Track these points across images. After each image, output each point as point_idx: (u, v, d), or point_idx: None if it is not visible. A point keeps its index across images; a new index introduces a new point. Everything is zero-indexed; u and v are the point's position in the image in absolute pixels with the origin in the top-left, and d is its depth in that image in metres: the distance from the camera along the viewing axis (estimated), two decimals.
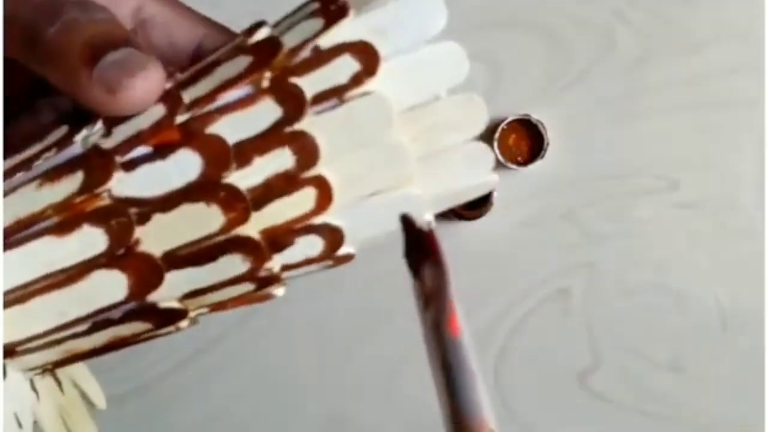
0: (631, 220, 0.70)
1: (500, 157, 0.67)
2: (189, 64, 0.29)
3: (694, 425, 0.70)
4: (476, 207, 0.68)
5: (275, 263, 0.27)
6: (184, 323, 0.27)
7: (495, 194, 0.68)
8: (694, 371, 0.70)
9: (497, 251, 0.70)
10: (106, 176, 0.25)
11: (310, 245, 0.27)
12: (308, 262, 0.27)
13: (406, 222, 0.25)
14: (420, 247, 0.24)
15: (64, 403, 0.31)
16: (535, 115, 0.68)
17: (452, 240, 0.69)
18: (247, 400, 0.70)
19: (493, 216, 0.68)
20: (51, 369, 0.28)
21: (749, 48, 0.69)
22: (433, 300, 0.21)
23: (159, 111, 0.26)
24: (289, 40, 0.26)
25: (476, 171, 0.28)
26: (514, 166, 0.68)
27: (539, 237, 0.70)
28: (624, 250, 0.70)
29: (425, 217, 0.26)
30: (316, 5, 0.27)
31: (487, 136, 0.68)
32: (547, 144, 0.68)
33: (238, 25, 0.30)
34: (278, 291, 0.28)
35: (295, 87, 0.25)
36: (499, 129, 0.67)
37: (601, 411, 0.71)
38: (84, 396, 0.34)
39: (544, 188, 0.70)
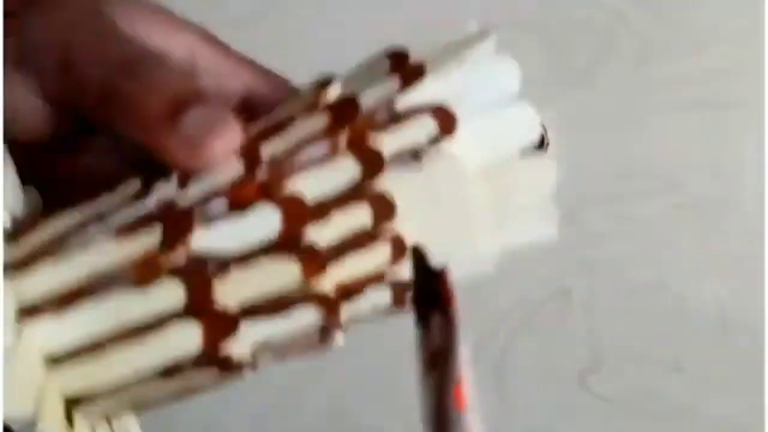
0: (631, 220, 0.70)
1: None
2: (238, 111, 0.29)
3: (694, 425, 0.70)
4: None
5: (343, 312, 0.27)
6: (250, 370, 0.27)
7: None
8: (694, 371, 0.70)
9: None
10: (185, 231, 0.25)
11: (379, 297, 0.27)
12: (374, 311, 0.28)
13: (418, 260, 0.24)
14: (430, 292, 0.23)
15: None
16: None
17: None
18: (247, 398, 0.70)
19: None
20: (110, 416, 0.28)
21: (749, 48, 0.69)
22: (440, 361, 0.19)
23: (237, 166, 0.26)
24: (366, 99, 0.27)
25: (542, 228, 0.29)
26: None
27: None
28: (624, 250, 0.70)
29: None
30: (387, 63, 0.28)
31: None
32: (547, 144, 0.68)
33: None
34: (339, 340, 0.28)
35: (373, 146, 0.26)
36: None
37: (601, 411, 0.71)
38: None
39: None
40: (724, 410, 0.70)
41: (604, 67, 0.69)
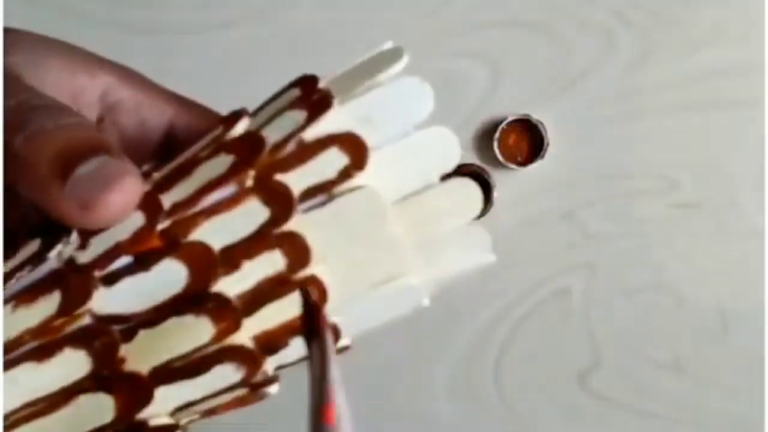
0: (631, 220, 0.70)
1: (500, 157, 0.67)
2: (161, 146, 0.28)
3: (694, 425, 0.70)
4: None
5: (269, 366, 0.26)
6: None
7: (495, 194, 0.68)
8: (694, 371, 0.70)
9: (497, 251, 0.70)
10: (85, 295, 0.23)
11: (303, 345, 0.26)
12: (304, 359, 0.26)
13: (304, 295, 0.24)
14: (310, 324, 0.24)
15: None
16: (535, 115, 0.68)
17: None
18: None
19: (493, 216, 0.68)
20: None
21: (749, 48, 0.69)
22: (315, 383, 0.21)
23: (138, 219, 0.24)
24: (272, 134, 0.25)
25: (474, 254, 0.27)
26: (514, 166, 0.68)
27: (539, 237, 0.70)
28: (624, 250, 0.70)
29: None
30: (296, 92, 0.26)
31: (487, 136, 0.68)
32: (547, 144, 0.68)
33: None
34: (272, 389, 0.26)
35: (282, 185, 0.24)
36: (499, 129, 0.67)
37: (601, 411, 0.71)
38: None
39: (544, 188, 0.70)
40: (724, 410, 0.70)
41: (604, 67, 0.69)
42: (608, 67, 0.69)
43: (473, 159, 0.68)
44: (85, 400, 0.24)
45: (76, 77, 0.28)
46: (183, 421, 0.26)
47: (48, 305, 0.24)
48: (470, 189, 0.27)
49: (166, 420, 0.25)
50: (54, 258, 0.24)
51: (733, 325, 0.70)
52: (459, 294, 0.69)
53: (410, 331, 0.70)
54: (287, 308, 0.25)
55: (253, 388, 0.26)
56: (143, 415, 0.24)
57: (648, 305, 0.70)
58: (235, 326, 0.24)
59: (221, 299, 0.24)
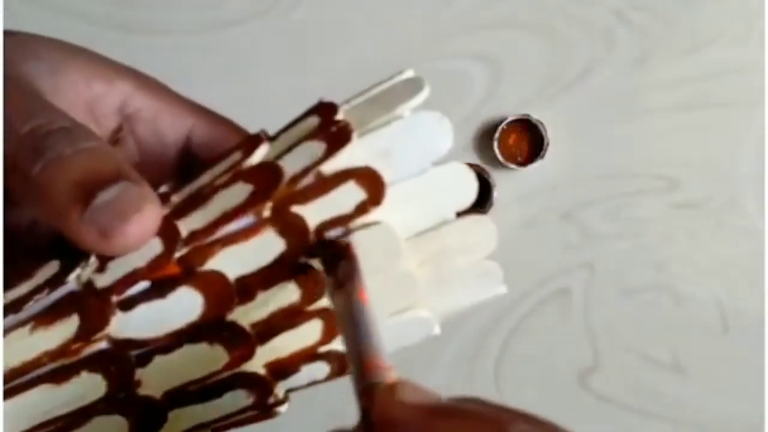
0: (631, 220, 0.70)
1: (500, 157, 0.67)
2: (179, 157, 0.28)
3: (694, 425, 0.70)
4: (476, 207, 0.68)
5: (280, 390, 0.26)
6: None
7: (495, 194, 0.68)
8: (694, 371, 0.70)
9: (497, 251, 0.70)
10: (103, 320, 0.24)
11: (316, 371, 0.26)
12: (313, 383, 0.27)
13: (323, 244, 0.25)
14: (337, 254, 0.24)
15: None
16: (535, 115, 0.68)
17: None
18: None
19: (493, 216, 0.68)
20: None
21: (749, 48, 0.69)
22: (347, 281, 0.23)
23: (156, 245, 0.24)
24: (290, 164, 0.25)
25: (486, 289, 0.28)
26: (514, 166, 0.68)
27: (539, 237, 0.70)
28: (624, 250, 0.70)
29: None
30: (315, 120, 0.26)
31: (487, 136, 0.68)
32: (547, 144, 0.68)
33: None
34: (281, 409, 0.27)
35: (298, 218, 0.24)
36: (499, 129, 0.67)
37: (601, 411, 0.70)
38: None
39: (544, 188, 0.70)
40: (724, 410, 0.70)
41: (603, 67, 0.69)
42: (608, 67, 0.69)
43: (473, 159, 0.68)
44: (99, 423, 0.24)
45: (92, 86, 0.27)
46: None
47: (66, 328, 0.24)
48: (485, 226, 0.27)
49: None
50: (73, 281, 0.24)
51: (733, 325, 0.70)
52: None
53: None
54: (300, 338, 0.25)
55: (264, 410, 0.26)
56: None
57: (648, 305, 0.70)
58: (249, 355, 0.25)
59: (236, 329, 0.24)
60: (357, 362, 0.21)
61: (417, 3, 0.69)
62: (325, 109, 0.26)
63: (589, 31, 0.69)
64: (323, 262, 0.25)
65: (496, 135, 0.67)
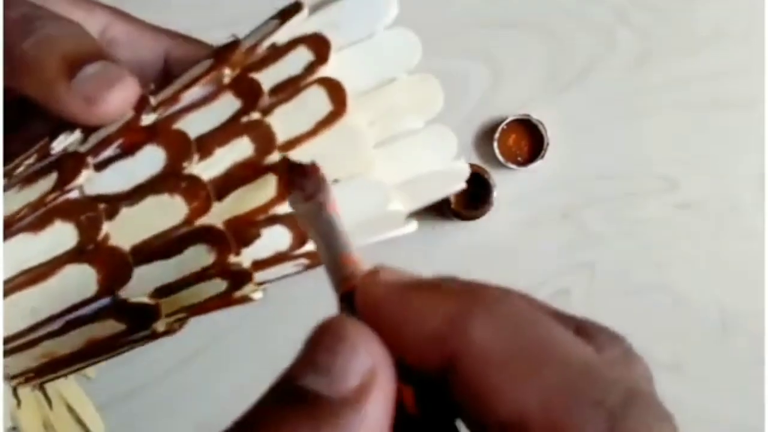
0: (631, 220, 0.70)
1: (500, 157, 0.67)
2: (158, 80, 0.30)
3: (694, 425, 0.70)
4: (476, 207, 0.68)
5: (244, 258, 0.27)
6: (160, 326, 0.28)
7: (495, 194, 0.68)
8: (694, 371, 0.70)
9: (497, 251, 0.70)
10: (76, 174, 0.26)
11: (277, 237, 0.27)
12: (279, 258, 0.28)
13: (289, 165, 0.26)
14: (301, 172, 0.26)
15: (52, 418, 0.31)
16: (535, 115, 0.68)
17: (452, 240, 0.69)
18: (248, 398, 0.70)
19: (493, 216, 0.68)
20: (34, 378, 0.28)
21: (749, 48, 0.69)
22: (317, 193, 0.24)
23: (129, 115, 0.27)
24: (248, 40, 0.28)
25: (438, 154, 0.28)
26: (514, 166, 0.68)
27: (539, 237, 0.70)
28: (624, 250, 0.70)
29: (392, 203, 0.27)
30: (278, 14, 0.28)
31: (487, 136, 0.68)
32: (547, 144, 0.68)
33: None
34: (255, 294, 0.28)
35: (252, 80, 0.27)
36: (499, 129, 0.67)
37: None
38: (80, 421, 0.34)
39: (544, 188, 0.70)
40: (724, 410, 0.70)
41: (604, 67, 0.69)
42: (608, 67, 0.69)
43: (473, 159, 0.68)
44: (69, 272, 0.26)
45: (74, 12, 0.29)
46: (171, 318, 0.28)
47: (46, 183, 0.26)
48: (431, 82, 0.28)
49: (146, 299, 0.27)
50: (57, 149, 0.27)
51: (733, 325, 0.70)
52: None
53: None
54: (256, 194, 0.27)
55: (233, 283, 0.27)
56: (124, 293, 0.26)
57: (648, 305, 0.70)
58: (206, 206, 0.26)
59: (193, 179, 0.26)
60: (332, 265, 0.23)
61: (417, 3, 0.69)
62: (287, 12, 0.28)
63: (589, 30, 0.69)
64: (288, 180, 0.26)
65: (496, 135, 0.67)
